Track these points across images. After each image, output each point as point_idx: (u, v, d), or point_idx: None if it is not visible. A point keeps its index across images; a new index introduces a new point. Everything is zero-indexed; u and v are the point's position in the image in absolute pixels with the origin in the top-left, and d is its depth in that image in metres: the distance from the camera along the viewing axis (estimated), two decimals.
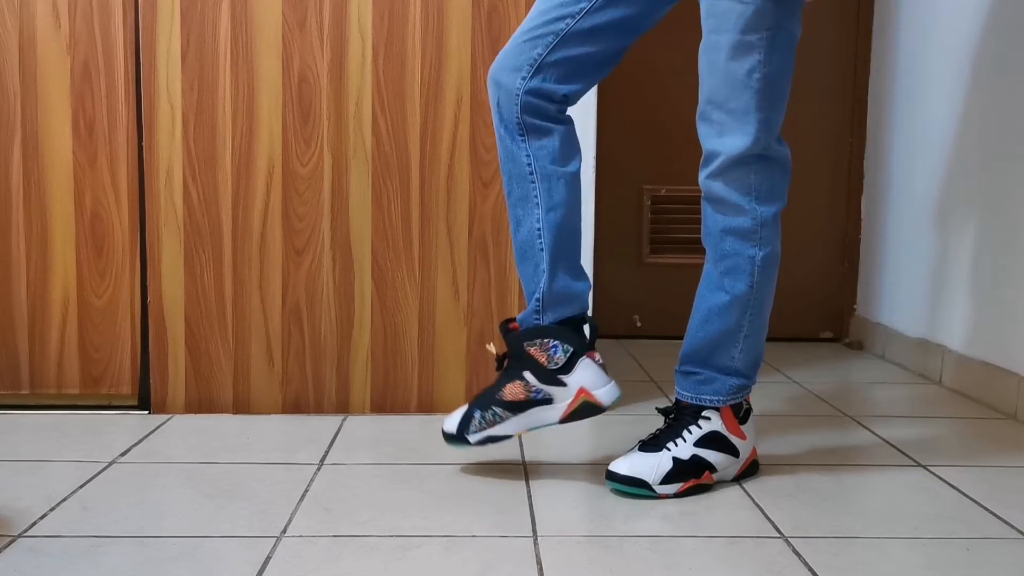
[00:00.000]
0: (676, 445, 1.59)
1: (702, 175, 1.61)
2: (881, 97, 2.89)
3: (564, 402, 1.60)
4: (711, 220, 1.62)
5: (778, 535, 1.41)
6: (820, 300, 3.08)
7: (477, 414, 1.61)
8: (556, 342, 1.59)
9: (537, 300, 1.60)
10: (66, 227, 2.00)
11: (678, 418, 1.63)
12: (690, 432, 1.60)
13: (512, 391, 1.60)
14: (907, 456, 1.81)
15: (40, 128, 1.98)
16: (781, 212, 1.64)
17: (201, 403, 2.04)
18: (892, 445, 1.88)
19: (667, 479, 1.56)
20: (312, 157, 2.00)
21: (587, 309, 1.67)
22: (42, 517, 1.43)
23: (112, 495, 1.53)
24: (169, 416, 2.02)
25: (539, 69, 1.58)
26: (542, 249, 1.60)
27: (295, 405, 2.04)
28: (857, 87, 3.00)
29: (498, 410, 1.60)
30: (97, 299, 2.02)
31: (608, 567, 1.29)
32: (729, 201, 1.60)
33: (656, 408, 1.74)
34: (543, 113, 1.60)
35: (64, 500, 1.51)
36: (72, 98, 1.98)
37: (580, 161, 1.65)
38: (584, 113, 2.01)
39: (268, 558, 1.30)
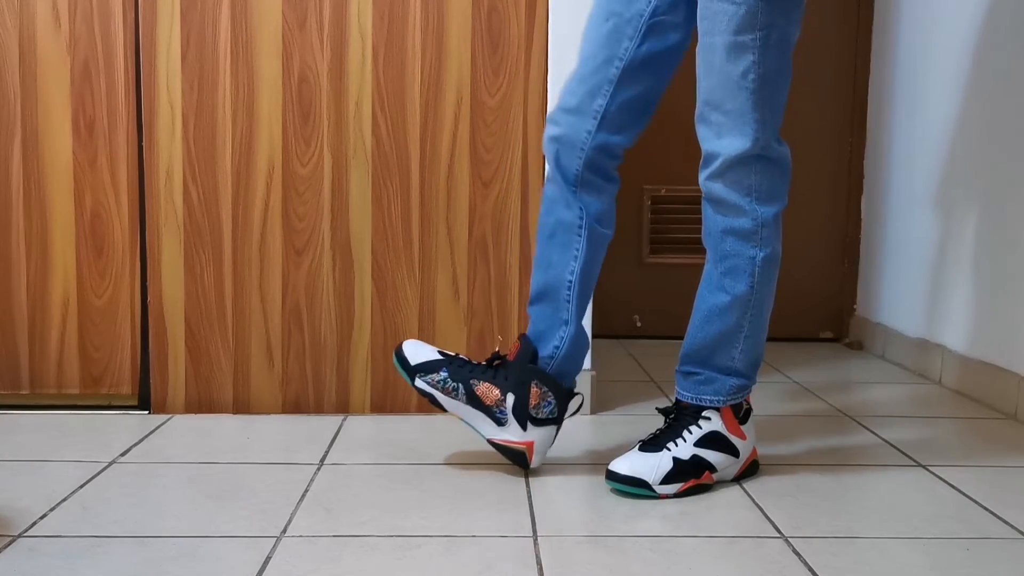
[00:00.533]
0: (676, 445, 1.59)
1: (702, 176, 1.61)
2: (881, 97, 2.89)
3: (509, 436, 1.65)
4: (711, 221, 1.62)
5: (778, 535, 1.41)
6: (820, 300, 3.08)
7: (444, 374, 1.64)
8: (553, 401, 1.65)
9: (556, 348, 1.66)
10: (66, 227, 2.00)
11: (678, 418, 1.64)
12: (690, 432, 1.60)
13: (485, 392, 1.64)
14: (907, 456, 1.81)
15: (40, 128, 1.98)
16: (782, 212, 1.63)
17: (201, 403, 2.04)
18: (892, 445, 1.88)
19: (667, 479, 1.56)
20: (312, 157, 2.00)
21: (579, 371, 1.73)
22: (42, 517, 1.43)
23: (112, 495, 1.53)
24: (169, 416, 2.02)
25: (603, 122, 1.63)
26: (568, 300, 1.67)
27: (295, 405, 2.04)
28: (857, 87, 3.00)
29: (462, 390, 1.64)
30: (97, 299, 2.02)
31: (608, 567, 1.29)
32: (729, 202, 1.60)
33: (656, 408, 1.74)
34: (603, 170, 1.66)
35: (64, 500, 1.51)
36: (72, 98, 1.98)
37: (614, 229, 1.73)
38: None
39: (268, 558, 1.30)
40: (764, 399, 2.25)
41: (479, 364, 1.67)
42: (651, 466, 1.56)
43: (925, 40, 2.60)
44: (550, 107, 1.94)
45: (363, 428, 1.95)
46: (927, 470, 1.73)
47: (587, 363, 2.07)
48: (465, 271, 2.03)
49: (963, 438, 1.95)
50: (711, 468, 1.60)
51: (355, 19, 1.97)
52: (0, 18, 1.96)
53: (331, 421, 1.99)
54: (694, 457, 1.59)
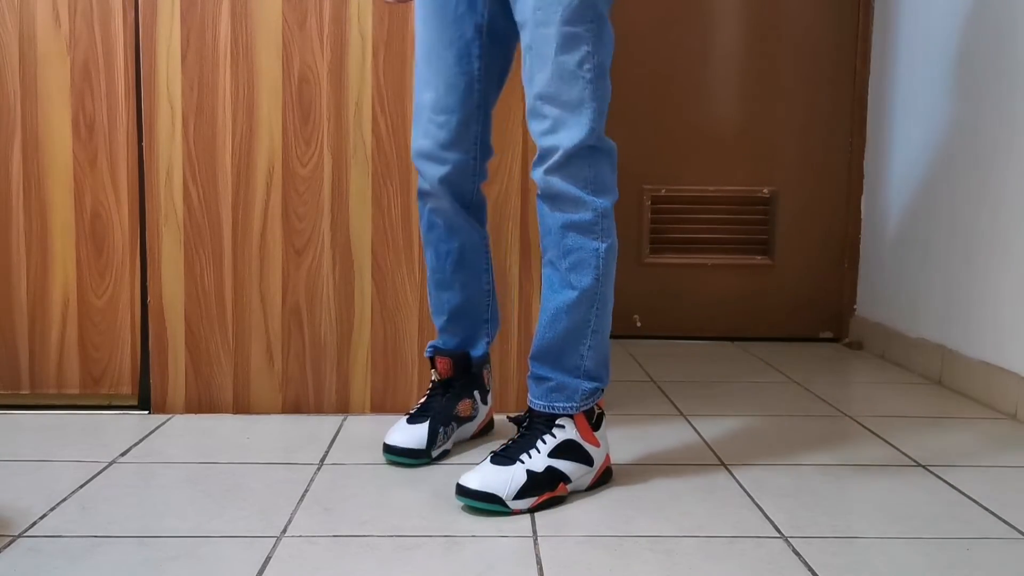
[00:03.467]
0: (530, 457, 1.53)
1: (538, 172, 1.54)
2: (881, 97, 2.89)
3: (478, 421, 1.86)
4: (550, 218, 1.56)
5: (778, 535, 1.41)
6: (820, 300, 3.08)
7: (441, 430, 1.76)
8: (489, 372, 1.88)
9: (487, 343, 1.85)
10: (66, 227, 2.00)
11: (531, 427, 1.58)
12: (544, 442, 1.55)
13: (463, 408, 1.81)
14: (907, 456, 1.81)
15: (40, 128, 1.98)
16: (614, 205, 1.57)
17: (201, 403, 2.04)
18: (892, 445, 1.88)
19: (520, 493, 1.49)
20: (312, 157, 2.00)
21: None
22: (42, 517, 1.43)
23: (112, 495, 1.53)
24: (169, 416, 2.02)
25: (481, 146, 1.74)
26: (488, 305, 1.85)
27: (295, 405, 2.04)
28: (857, 87, 3.00)
29: (454, 424, 1.79)
30: (97, 299, 2.02)
31: (608, 567, 1.29)
32: (569, 195, 1.53)
33: (508, 417, 1.68)
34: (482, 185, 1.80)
35: (64, 500, 1.51)
36: (72, 98, 1.98)
37: None
38: None
39: (268, 558, 1.30)
40: (764, 399, 2.25)
41: (440, 395, 1.79)
42: (504, 480, 1.50)
43: (925, 40, 2.60)
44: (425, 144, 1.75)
45: (363, 428, 1.95)
46: (927, 470, 1.73)
47: None
48: None
49: (963, 438, 1.95)
50: (565, 479, 1.54)
51: (355, 19, 1.97)
52: (0, 18, 1.96)
53: (331, 421, 1.99)
54: (548, 469, 1.53)
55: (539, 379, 1.59)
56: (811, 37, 3.01)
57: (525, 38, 1.53)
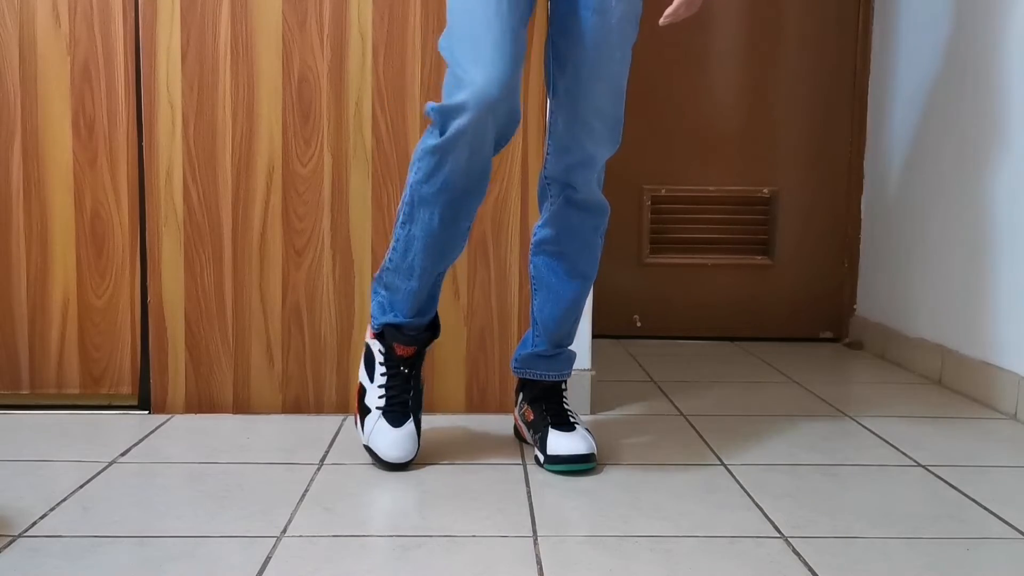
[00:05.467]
0: (575, 416, 1.77)
1: (579, 179, 1.68)
2: (881, 97, 2.89)
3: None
4: (576, 219, 1.71)
5: (778, 535, 1.41)
6: (820, 300, 3.08)
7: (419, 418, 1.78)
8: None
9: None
10: (66, 227, 2.00)
11: (553, 396, 1.78)
12: (568, 401, 1.81)
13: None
14: (907, 456, 1.81)
15: (40, 128, 1.98)
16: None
17: (201, 403, 2.04)
18: (892, 445, 1.88)
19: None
20: (312, 157, 2.00)
21: None
22: (42, 517, 1.43)
23: (112, 495, 1.53)
24: (169, 416, 2.02)
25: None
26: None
27: (295, 405, 2.04)
28: (857, 87, 3.00)
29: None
30: (97, 299, 2.02)
31: (608, 567, 1.29)
32: (601, 203, 1.73)
33: (522, 393, 1.82)
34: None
35: (64, 500, 1.51)
36: (72, 98, 1.98)
37: None
38: None
39: (268, 558, 1.30)
40: (764, 399, 2.25)
41: (407, 378, 1.74)
42: (590, 440, 1.70)
43: (925, 39, 2.60)
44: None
45: None
46: (927, 470, 1.73)
47: (587, 363, 2.07)
48: (465, 271, 2.03)
49: (963, 438, 1.95)
50: None
51: (355, 19, 1.97)
52: (0, 18, 1.96)
53: (331, 421, 1.99)
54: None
55: (554, 356, 1.78)
56: (811, 37, 3.01)
57: (590, 52, 1.61)
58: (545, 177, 1.73)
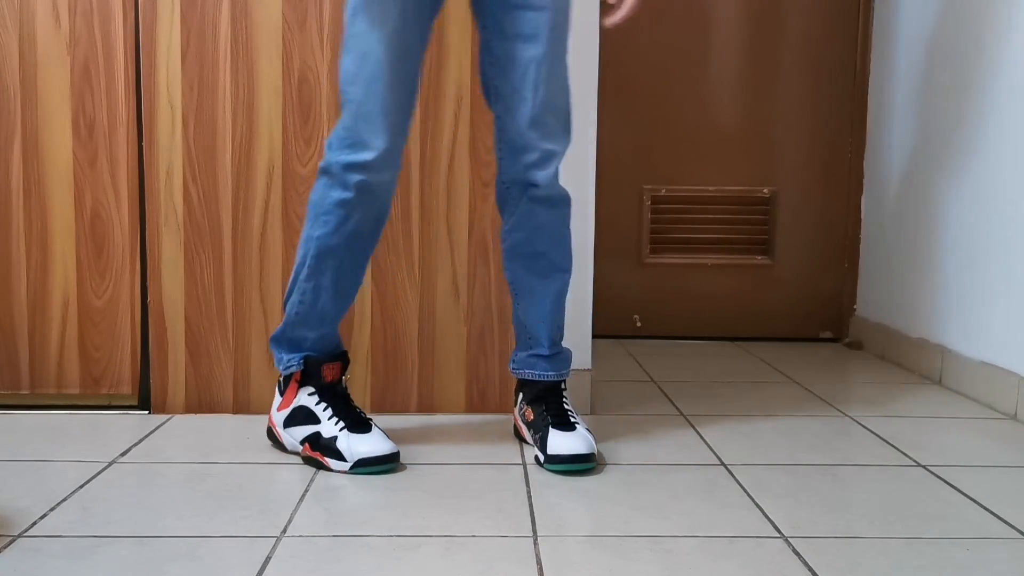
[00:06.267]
0: (575, 416, 1.75)
1: (544, 176, 1.69)
2: (881, 97, 2.89)
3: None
4: (546, 216, 1.73)
5: (778, 535, 1.41)
6: (820, 300, 3.08)
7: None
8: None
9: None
10: (66, 227, 2.00)
11: (552, 397, 1.77)
12: (568, 401, 1.80)
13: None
14: (907, 456, 1.81)
15: (40, 128, 1.98)
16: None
17: (201, 403, 2.04)
18: (892, 445, 1.88)
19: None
20: (312, 157, 2.00)
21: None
22: (42, 517, 1.43)
23: (112, 495, 1.53)
24: (169, 416, 2.02)
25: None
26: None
27: None
28: (857, 87, 3.00)
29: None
30: (97, 299, 2.02)
31: (608, 567, 1.29)
32: (565, 195, 1.75)
33: (527, 396, 1.80)
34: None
35: (64, 500, 1.51)
36: (72, 98, 1.98)
37: None
38: (584, 113, 2.01)
39: (268, 558, 1.30)
40: (765, 399, 2.25)
41: (345, 398, 1.76)
42: (591, 440, 1.70)
43: (925, 39, 2.60)
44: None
45: None
46: (927, 470, 1.73)
47: (587, 363, 2.07)
48: (465, 271, 2.03)
49: (963, 438, 1.95)
50: None
51: None
52: (0, 18, 1.96)
53: None
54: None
55: (553, 356, 1.78)
56: (811, 37, 3.01)
57: (534, 50, 1.63)
58: (503, 182, 1.73)
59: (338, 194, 1.63)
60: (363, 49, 1.58)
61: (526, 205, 1.72)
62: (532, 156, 1.68)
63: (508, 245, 1.77)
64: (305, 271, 1.69)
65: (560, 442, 1.67)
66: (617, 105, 2.99)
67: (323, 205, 1.64)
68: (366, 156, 1.60)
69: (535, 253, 1.74)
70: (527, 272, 1.76)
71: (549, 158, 1.68)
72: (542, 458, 1.70)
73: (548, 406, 1.76)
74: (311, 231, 1.67)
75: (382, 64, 1.58)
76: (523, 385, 1.83)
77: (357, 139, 1.60)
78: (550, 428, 1.71)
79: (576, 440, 1.67)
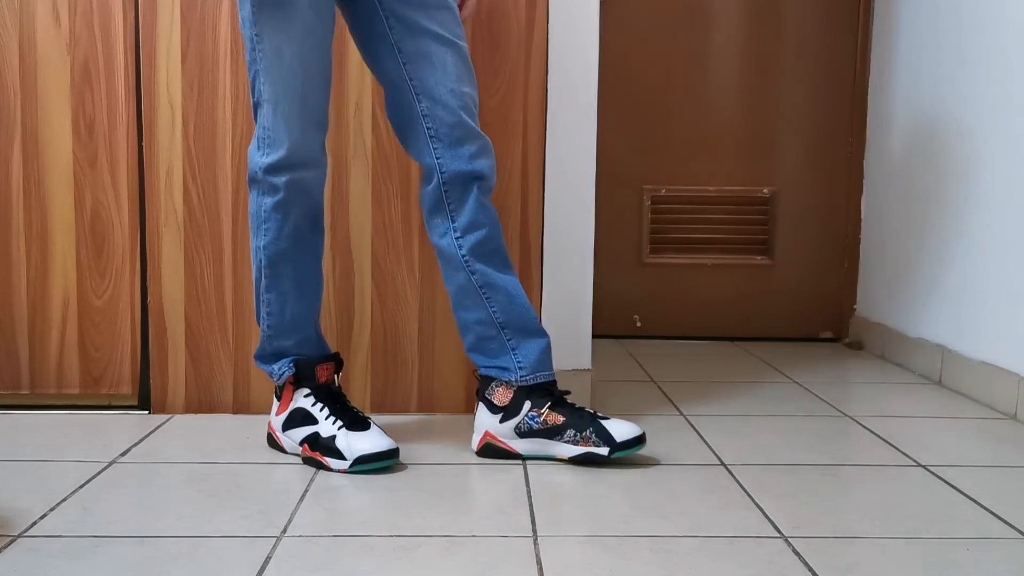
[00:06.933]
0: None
1: (487, 165, 1.71)
2: (881, 97, 2.89)
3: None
4: (487, 210, 1.73)
5: (778, 535, 1.41)
6: (820, 300, 3.08)
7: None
8: None
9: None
10: (66, 227, 2.00)
11: (564, 394, 1.78)
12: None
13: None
14: (907, 456, 1.81)
15: (40, 128, 1.98)
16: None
17: (201, 403, 2.04)
18: (892, 445, 1.88)
19: None
20: None
21: None
22: (42, 517, 1.43)
23: (112, 495, 1.53)
24: (169, 416, 2.02)
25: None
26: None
27: None
28: (857, 87, 3.00)
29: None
30: (97, 299, 2.02)
31: (608, 567, 1.29)
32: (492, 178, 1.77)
33: (546, 402, 1.75)
34: None
35: (64, 500, 1.51)
36: (72, 98, 1.98)
37: None
38: (584, 113, 2.01)
39: (268, 558, 1.30)
40: (765, 399, 2.25)
41: (342, 400, 1.77)
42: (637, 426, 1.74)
43: (925, 40, 2.60)
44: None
45: None
46: (927, 470, 1.73)
47: (587, 363, 2.07)
48: None
49: (963, 438, 1.95)
50: None
51: None
52: (0, 18, 1.96)
53: None
54: None
55: (549, 345, 1.77)
56: (811, 37, 3.01)
57: (452, 49, 1.67)
58: (443, 183, 1.69)
59: (270, 199, 1.66)
60: (275, 46, 1.59)
61: (478, 200, 1.70)
62: (474, 145, 1.69)
63: (470, 246, 1.71)
64: (264, 283, 1.71)
65: (621, 428, 1.70)
66: (617, 105, 2.99)
67: (260, 215, 1.67)
68: (285, 153, 1.62)
69: (495, 249, 1.72)
70: (494, 270, 1.72)
71: (487, 145, 1.71)
72: (606, 451, 1.69)
73: (569, 403, 1.75)
74: (256, 243, 1.70)
75: (296, 59, 1.60)
76: (531, 392, 1.73)
77: (276, 137, 1.62)
78: (598, 418, 1.72)
79: (630, 424, 1.72)
